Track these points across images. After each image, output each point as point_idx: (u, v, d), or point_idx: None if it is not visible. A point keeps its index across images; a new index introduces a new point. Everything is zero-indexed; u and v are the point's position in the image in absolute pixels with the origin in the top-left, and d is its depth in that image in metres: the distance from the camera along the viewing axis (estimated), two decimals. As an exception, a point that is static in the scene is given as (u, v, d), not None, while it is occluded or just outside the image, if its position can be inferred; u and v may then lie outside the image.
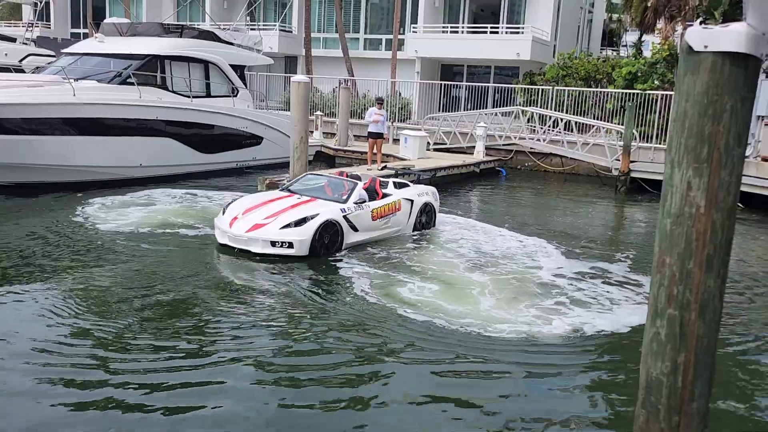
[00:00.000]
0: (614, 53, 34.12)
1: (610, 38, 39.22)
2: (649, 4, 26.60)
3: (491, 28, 26.02)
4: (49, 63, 17.67)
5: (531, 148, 20.22)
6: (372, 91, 25.78)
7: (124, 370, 5.66)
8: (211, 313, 7.17)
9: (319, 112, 22.25)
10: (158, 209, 12.25)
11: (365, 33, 30.61)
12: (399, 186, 11.40)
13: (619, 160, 17.75)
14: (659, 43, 24.56)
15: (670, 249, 2.47)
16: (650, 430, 2.66)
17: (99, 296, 7.51)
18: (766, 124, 17.42)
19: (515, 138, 20.28)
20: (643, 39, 29.28)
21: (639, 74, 21.30)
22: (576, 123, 19.47)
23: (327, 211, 9.58)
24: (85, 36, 30.76)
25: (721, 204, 2.38)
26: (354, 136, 21.45)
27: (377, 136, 15.68)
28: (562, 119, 19.70)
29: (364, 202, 10.13)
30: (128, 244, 9.72)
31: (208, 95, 17.12)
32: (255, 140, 17.90)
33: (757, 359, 6.66)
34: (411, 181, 12.66)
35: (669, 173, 2.45)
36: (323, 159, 20.34)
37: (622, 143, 17.78)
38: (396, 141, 20.17)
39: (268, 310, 7.36)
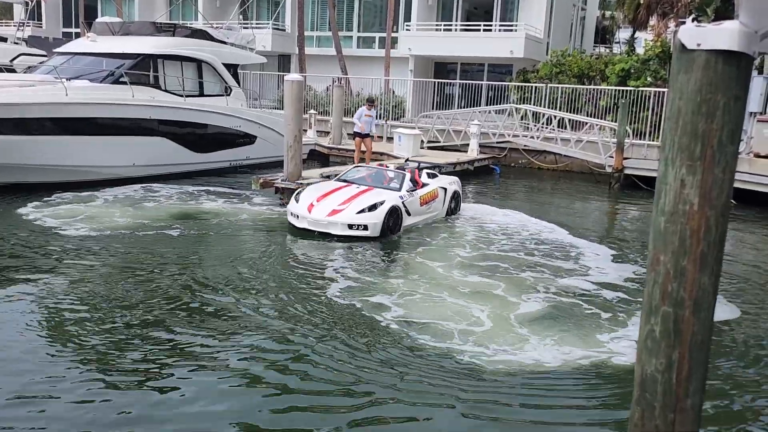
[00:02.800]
0: (607, 50, 34.19)
1: (603, 35, 39.32)
2: (641, 1, 26.69)
3: (484, 25, 26.04)
4: (40, 63, 17.57)
5: (525, 146, 20.26)
6: (366, 89, 25.75)
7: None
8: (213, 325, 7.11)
9: (312, 111, 22.20)
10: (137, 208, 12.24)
11: (359, 31, 30.58)
12: (430, 176, 12.83)
13: (612, 157, 17.80)
14: (652, 40, 24.64)
15: (664, 247, 2.48)
16: (645, 426, 2.66)
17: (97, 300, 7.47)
18: (758, 121, 17.51)
19: (509, 135, 20.31)
20: (636, 36, 29.39)
21: (632, 71, 21.36)
22: (569, 120, 19.52)
23: (390, 198, 10.88)
24: (77, 35, 30.61)
25: (714, 201, 2.39)
26: (348, 134, 21.42)
27: (363, 136, 15.83)
28: (555, 116, 19.74)
29: (414, 190, 11.55)
30: (101, 245, 9.67)
31: (201, 94, 17.06)
32: (248, 139, 17.85)
33: (750, 355, 6.69)
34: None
35: (663, 171, 2.46)
36: (317, 157, 20.30)
37: (615, 140, 17.83)
38: (390, 139, 20.17)
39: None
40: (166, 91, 15.87)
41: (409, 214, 11.22)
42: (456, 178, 13.46)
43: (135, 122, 14.64)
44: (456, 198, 12.84)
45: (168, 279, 8.17)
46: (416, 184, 11.85)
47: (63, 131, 13.30)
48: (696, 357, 2.51)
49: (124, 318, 6.78)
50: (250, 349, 6.14)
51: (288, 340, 6.35)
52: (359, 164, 13.30)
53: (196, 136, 16.24)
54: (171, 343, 6.21)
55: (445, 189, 12.50)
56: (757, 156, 17.20)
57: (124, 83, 14.70)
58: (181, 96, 16.07)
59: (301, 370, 5.73)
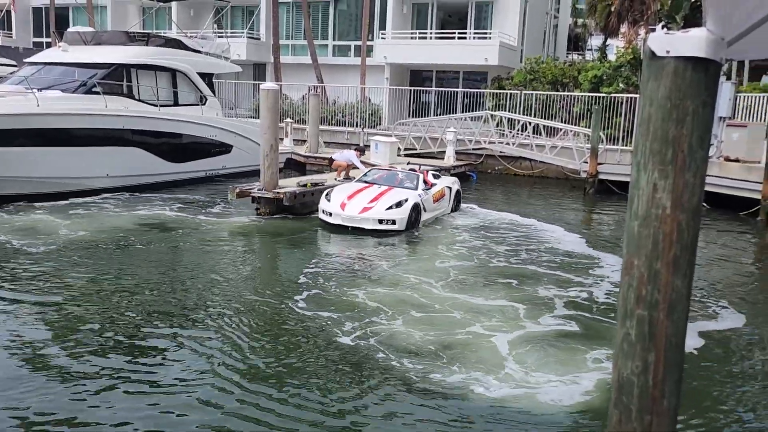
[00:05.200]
0: (580, 57, 34.63)
1: (576, 43, 39.83)
2: (612, 9, 27.13)
3: (459, 33, 26.25)
4: (11, 73, 17.28)
5: (500, 152, 20.41)
6: (342, 97, 25.74)
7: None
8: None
9: (288, 120, 22.14)
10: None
11: (334, 39, 30.61)
12: (435, 177, 13.92)
13: (587, 163, 18.00)
14: (623, 47, 25.03)
15: (637, 251, 2.50)
16: (623, 429, 2.68)
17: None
18: (728, 125, 17.84)
19: (485, 142, 20.45)
20: (607, 43, 29.80)
21: (604, 78, 21.65)
22: (544, 126, 19.72)
23: (412, 196, 12.08)
24: (48, 45, 30.20)
25: (686, 205, 2.42)
26: (324, 142, 21.40)
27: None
28: (530, 123, 19.93)
29: (428, 189, 12.71)
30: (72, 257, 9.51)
31: (176, 104, 16.91)
32: (224, 149, 17.74)
33: (723, 355, 6.78)
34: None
35: (635, 176, 2.49)
36: (294, 166, 20.23)
37: (589, 146, 18.05)
38: (367, 147, 20.19)
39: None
40: (140, 100, 15.71)
41: (425, 210, 12.39)
42: (456, 179, 14.96)
43: (108, 133, 14.45)
44: (458, 196, 14.34)
45: (126, 296, 7.82)
46: (426, 184, 12.94)
47: (34, 142, 13.08)
48: (671, 359, 2.54)
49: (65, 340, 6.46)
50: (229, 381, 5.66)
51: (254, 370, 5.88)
52: (374, 167, 14.50)
53: (171, 146, 16.08)
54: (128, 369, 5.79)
55: (450, 188, 13.94)
56: (727, 160, 17.51)
57: (97, 93, 14.52)
58: (156, 106, 15.92)
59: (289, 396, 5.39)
